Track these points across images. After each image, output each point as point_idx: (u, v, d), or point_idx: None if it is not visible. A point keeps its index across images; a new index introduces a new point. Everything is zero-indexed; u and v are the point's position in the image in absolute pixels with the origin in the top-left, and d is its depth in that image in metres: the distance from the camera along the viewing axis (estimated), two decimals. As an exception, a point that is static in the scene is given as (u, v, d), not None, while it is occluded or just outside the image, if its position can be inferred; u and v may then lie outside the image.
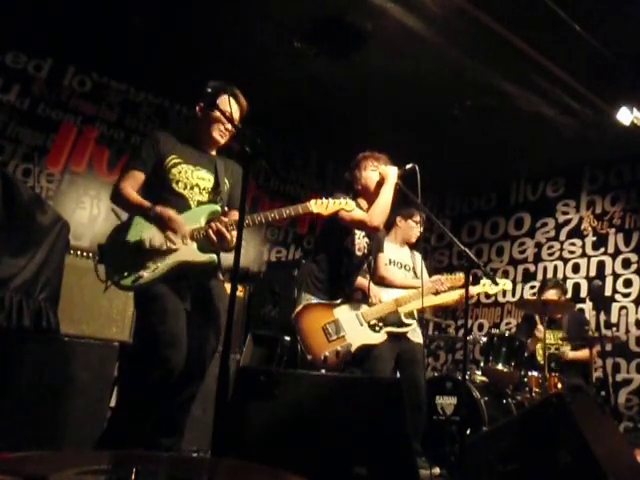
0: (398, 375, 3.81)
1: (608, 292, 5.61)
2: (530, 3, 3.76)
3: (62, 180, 4.86)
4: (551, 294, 4.79)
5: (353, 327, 2.97)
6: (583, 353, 4.53)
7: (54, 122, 4.86)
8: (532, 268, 6.34)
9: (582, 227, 6.05)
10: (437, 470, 3.71)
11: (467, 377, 4.31)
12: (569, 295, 5.87)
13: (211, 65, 4.63)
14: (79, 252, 3.61)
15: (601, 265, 5.79)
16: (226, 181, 2.63)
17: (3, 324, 2.71)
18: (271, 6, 4.07)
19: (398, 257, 4.02)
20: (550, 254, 6.23)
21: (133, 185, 2.48)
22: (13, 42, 4.68)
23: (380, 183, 3.05)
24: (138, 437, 2.31)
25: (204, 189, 2.57)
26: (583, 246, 5.98)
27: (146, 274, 2.32)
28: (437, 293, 3.43)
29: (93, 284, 3.45)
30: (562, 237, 6.18)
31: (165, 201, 2.44)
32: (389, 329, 3.37)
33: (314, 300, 2.98)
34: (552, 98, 4.74)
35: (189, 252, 2.41)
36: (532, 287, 6.22)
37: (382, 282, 3.50)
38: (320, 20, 4.17)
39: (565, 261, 6.08)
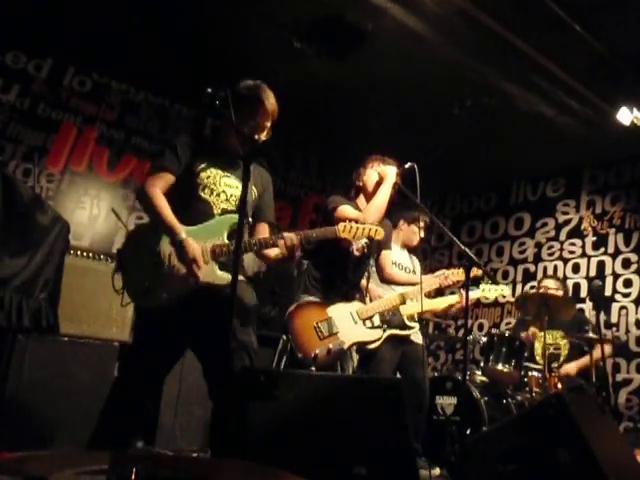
0: (398, 375, 3.82)
1: (608, 292, 5.60)
2: (530, 3, 3.76)
3: (62, 180, 4.85)
4: (549, 283, 4.78)
5: (347, 325, 2.97)
6: (585, 360, 4.49)
7: (54, 122, 4.86)
8: (532, 268, 6.34)
9: (582, 227, 6.04)
10: (437, 471, 3.72)
11: (467, 377, 4.32)
12: (569, 294, 5.88)
13: (211, 65, 4.63)
14: (79, 252, 3.61)
15: (601, 265, 5.78)
16: (254, 189, 2.54)
17: (3, 324, 2.71)
18: (271, 6, 4.07)
19: (400, 259, 4.03)
20: (550, 254, 6.22)
21: (163, 187, 2.36)
22: (13, 42, 4.68)
23: (379, 183, 3.07)
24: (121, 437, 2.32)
25: (231, 196, 2.47)
26: (583, 246, 5.98)
27: (166, 294, 2.26)
28: (441, 288, 3.42)
29: (93, 284, 3.46)
30: (562, 237, 6.17)
31: (188, 207, 2.37)
32: (393, 331, 3.37)
33: (309, 299, 2.99)
34: (552, 98, 4.74)
35: (210, 273, 2.30)
36: (532, 287, 6.22)
37: (388, 280, 3.50)
38: (320, 20, 4.16)
39: (565, 261, 6.08)
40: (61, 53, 4.86)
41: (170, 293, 2.26)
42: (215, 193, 2.44)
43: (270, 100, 2.53)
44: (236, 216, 2.39)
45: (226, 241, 2.35)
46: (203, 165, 2.44)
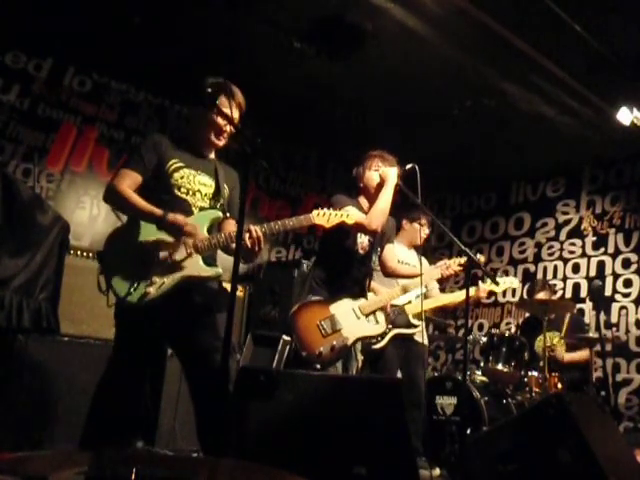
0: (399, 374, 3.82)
1: (608, 292, 5.60)
2: (530, 3, 3.75)
3: (62, 180, 4.85)
4: (541, 295, 4.83)
5: (350, 321, 2.97)
6: (580, 355, 4.53)
7: (54, 122, 4.86)
8: (532, 268, 6.34)
9: (582, 227, 6.04)
10: (437, 471, 3.71)
11: (467, 377, 4.32)
12: (569, 295, 5.89)
13: (211, 65, 4.62)
14: (79, 252, 3.62)
15: (601, 265, 5.78)
16: (225, 187, 2.57)
17: (3, 324, 2.71)
18: (271, 6, 4.07)
19: (406, 258, 4.03)
20: (550, 254, 6.22)
21: (130, 186, 2.37)
22: (13, 42, 4.68)
23: (380, 184, 3.06)
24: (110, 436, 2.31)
25: (205, 195, 2.49)
26: (583, 246, 5.98)
27: (152, 290, 2.25)
28: (443, 278, 3.41)
29: (93, 284, 3.45)
30: (562, 237, 6.17)
31: (167, 206, 2.36)
32: (398, 330, 3.37)
33: (313, 299, 2.99)
34: (552, 98, 4.74)
35: (195, 266, 2.32)
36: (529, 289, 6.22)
37: (391, 273, 3.49)
38: (320, 20, 4.16)
39: (565, 261, 6.08)
40: (61, 53, 4.85)
41: (155, 289, 2.26)
42: (191, 192, 2.46)
43: (237, 95, 2.53)
44: (215, 211, 2.46)
45: (206, 235, 2.37)
46: (175, 165, 2.45)
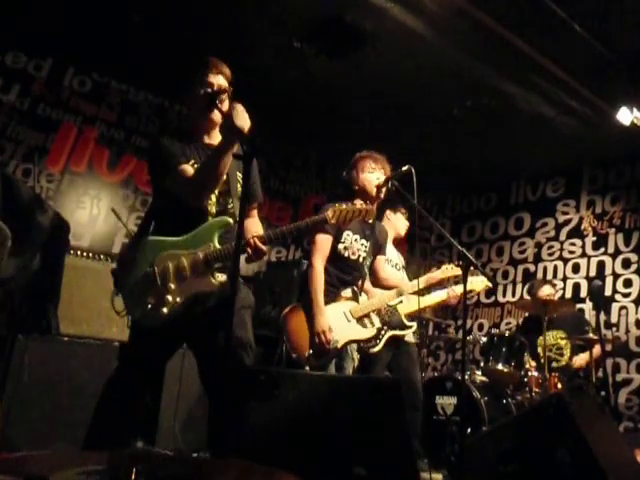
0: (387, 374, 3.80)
1: (608, 292, 5.60)
2: (530, 3, 3.76)
3: (62, 180, 4.85)
4: (545, 290, 4.82)
5: (340, 324, 2.96)
6: (588, 355, 4.51)
7: (54, 122, 4.86)
8: (532, 268, 6.34)
9: (582, 227, 6.05)
10: (439, 476, 3.68)
11: (467, 377, 4.32)
12: (569, 295, 5.89)
13: (211, 65, 4.64)
14: (79, 252, 3.62)
15: (601, 265, 5.79)
16: (238, 186, 2.49)
17: (3, 324, 2.71)
18: (271, 6, 4.07)
19: (390, 255, 4.00)
20: (550, 254, 6.22)
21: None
22: (13, 42, 4.68)
23: (379, 186, 3.05)
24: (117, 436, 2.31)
25: (215, 195, 2.44)
26: (583, 246, 5.98)
27: (166, 310, 2.25)
28: (430, 287, 3.38)
29: (93, 284, 3.46)
30: (562, 237, 6.18)
31: (180, 212, 2.33)
32: (393, 332, 3.36)
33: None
34: (552, 98, 4.74)
35: (205, 283, 2.30)
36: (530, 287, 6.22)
37: (380, 285, 3.48)
38: (320, 20, 4.17)
39: (565, 261, 6.08)
40: (61, 53, 4.86)
41: (168, 309, 2.25)
42: None
43: (217, 64, 2.55)
44: (225, 218, 2.39)
45: (218, 246, 2.33)
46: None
